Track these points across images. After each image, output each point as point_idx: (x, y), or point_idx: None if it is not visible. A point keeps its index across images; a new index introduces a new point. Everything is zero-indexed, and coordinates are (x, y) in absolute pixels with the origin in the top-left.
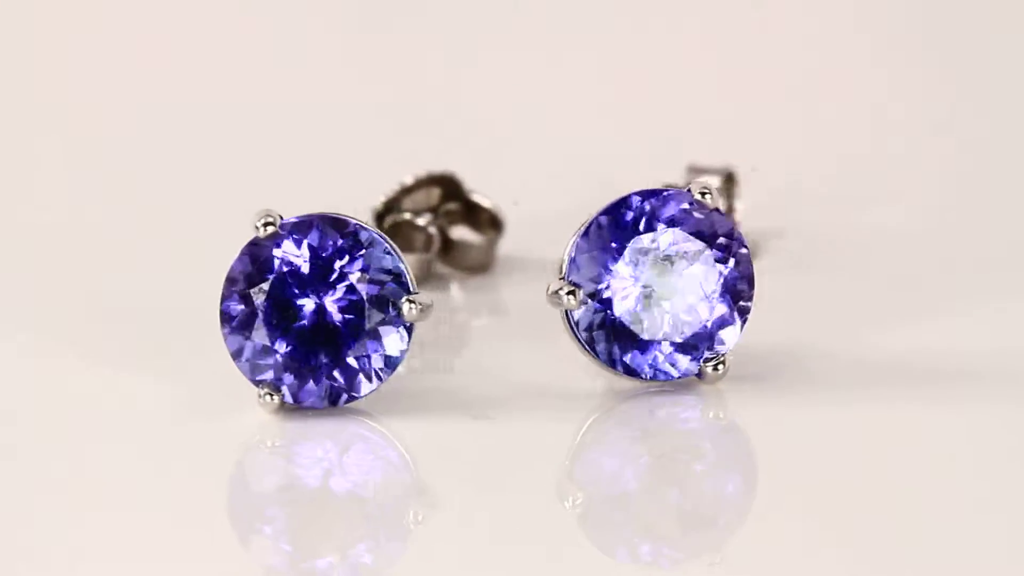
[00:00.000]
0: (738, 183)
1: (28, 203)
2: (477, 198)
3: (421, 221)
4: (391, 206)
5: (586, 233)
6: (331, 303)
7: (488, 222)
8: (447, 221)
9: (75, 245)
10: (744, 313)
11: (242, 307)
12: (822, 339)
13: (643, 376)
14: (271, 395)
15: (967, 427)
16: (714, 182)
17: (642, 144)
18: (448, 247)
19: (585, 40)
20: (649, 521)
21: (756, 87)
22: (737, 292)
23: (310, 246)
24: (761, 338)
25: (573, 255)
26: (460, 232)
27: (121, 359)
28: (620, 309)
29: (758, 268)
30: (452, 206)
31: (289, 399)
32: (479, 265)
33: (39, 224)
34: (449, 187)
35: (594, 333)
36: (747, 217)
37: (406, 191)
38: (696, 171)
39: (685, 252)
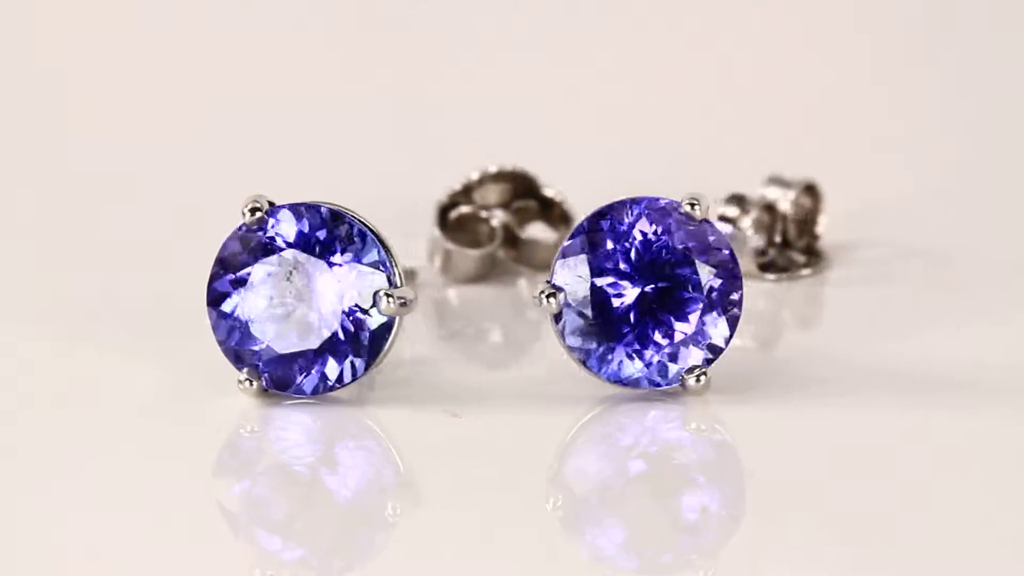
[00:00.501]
0: (821, 196)
1: (24, 197)
2: (550, 193)
3: (485, 214)
4: (457, 200)
5: (575, 236)
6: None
7: (559, 218)
8: (520, 218)
9: (79, 240)
10: (733, 323)
11: (229, 290)
12: (834, 347)
13: (629, 383)
14: (251, 381)
15: (967, 435)
16: (790, 194)
17: (715, 147)
18: (516, 243)
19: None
20: (634, 526)
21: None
22: (726, 302)
23: (299, 233)
24: (763, 347)
25: (562, 258)
26: (537, 229)
27: (113, 348)
28: (607, 315)
29: (830, 279)
30: (526, 202)
31: (271, 386)
32: (550, 262)
33: (34, 218)
34: (523, 183)
35: (581, 338)
36: (829, 230)
37: (475, 185)
38: (775, 182)
39: (673, 261)
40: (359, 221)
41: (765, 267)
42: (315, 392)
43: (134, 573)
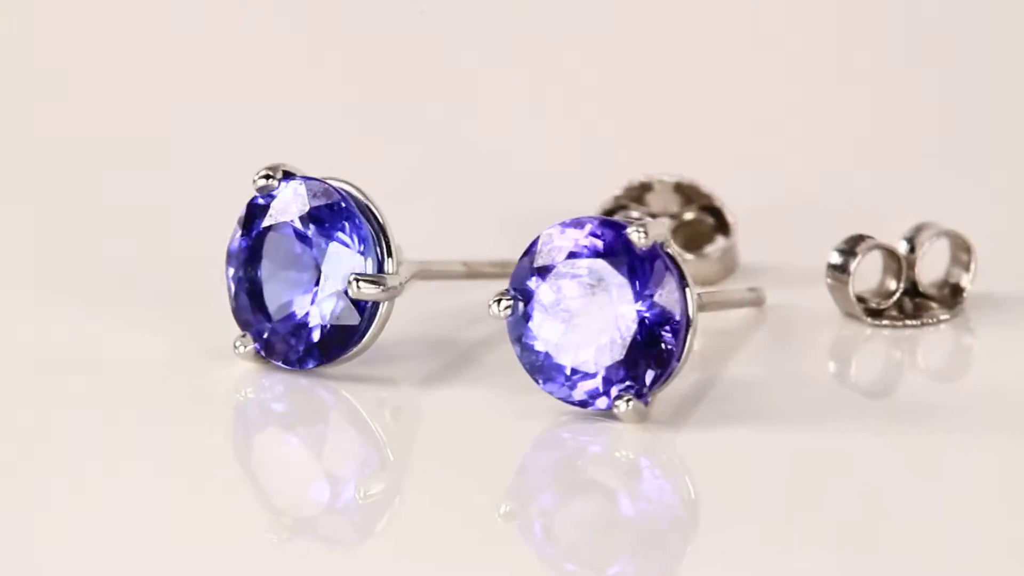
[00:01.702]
0: (972, 250)
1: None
2: (721, 206)
3: (635, 214)
4: (623, 204)
5: (530, 249)
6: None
7: (722, 230)
8: (689, 229)
9: (100, 217)
10: (665, 355)
11: (243, 254)
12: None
13: (565, 400)
14: (244, 345)
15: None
16: (924, 242)
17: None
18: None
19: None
20: (586, 541)
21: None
22: (658, 334)
23: (301, 206)
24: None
25: (516, 269)
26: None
27: (117, 318)
28: (539, 329)
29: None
30: (695, 213)
31: (265, 353)
32: (713, 276)
33: (40, 188)
34: (693, 194)
35: (528, 352)
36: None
37: (652, 191)
38: (919, 229)
39: (607, 286)
40: (359, 201)
41: (876, 312)
42: (303, 365)
43: (138, 535)
